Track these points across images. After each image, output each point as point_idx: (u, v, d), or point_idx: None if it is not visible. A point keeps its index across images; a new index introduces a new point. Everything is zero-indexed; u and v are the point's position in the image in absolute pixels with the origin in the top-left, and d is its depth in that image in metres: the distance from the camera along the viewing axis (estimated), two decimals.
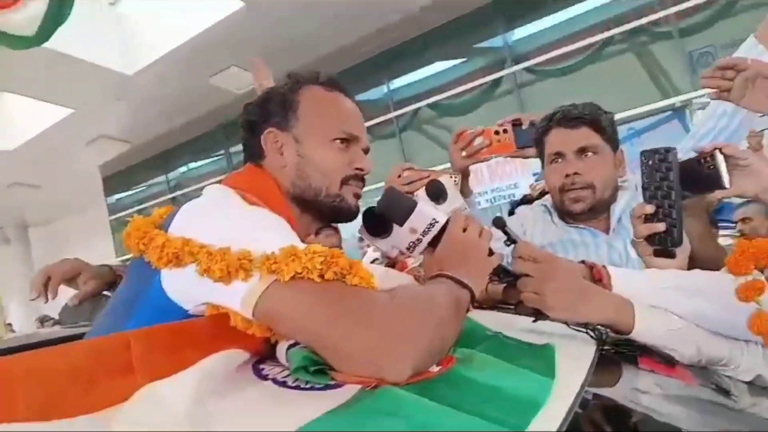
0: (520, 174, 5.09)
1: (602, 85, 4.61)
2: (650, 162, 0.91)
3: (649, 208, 0.92)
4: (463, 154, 1.48)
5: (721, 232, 2.71)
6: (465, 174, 1.58)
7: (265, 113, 0.96)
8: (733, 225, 2.94)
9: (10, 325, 5.29)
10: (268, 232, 0.70)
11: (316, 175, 0.92)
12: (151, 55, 5.54)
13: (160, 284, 0.70)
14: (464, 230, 0.85)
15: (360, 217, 0.96)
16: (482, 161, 1.53)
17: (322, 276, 0.61)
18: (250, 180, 0.92)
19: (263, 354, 0.70)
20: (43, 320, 6.38)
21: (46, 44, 4.37)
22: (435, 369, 0.62)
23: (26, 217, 11.00)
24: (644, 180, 0.93)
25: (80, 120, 6.80)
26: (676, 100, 4.43)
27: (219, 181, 0.92)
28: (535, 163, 1.56)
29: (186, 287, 0.69)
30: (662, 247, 0.91)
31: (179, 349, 0.59)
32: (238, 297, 0.63)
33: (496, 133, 1.46)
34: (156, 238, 0.71)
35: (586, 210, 1.40)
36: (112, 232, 9.17)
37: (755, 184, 0.95)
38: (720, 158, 0.92)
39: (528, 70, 5.21)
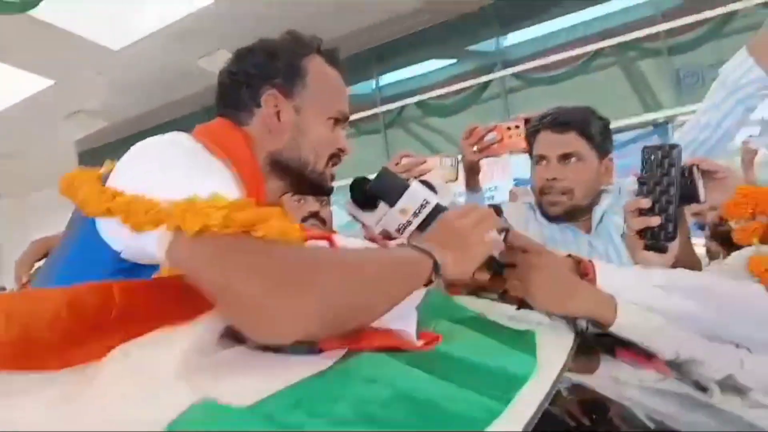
0: (500, 178, 5.11)
1: (588, 96, 4.64)
2: (652, 157, 0.92)
3: (645, 203, 0.92)
4: (474, 149, 1.51)
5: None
6: (476, 170, 1.60)
7: (269, 70, 0.92)
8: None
9: None
10: (199, 180, 0.66)
11: (307, 149, 0.92)
12: (139, 31, 5.44)
13: (93, 224, 0.70)
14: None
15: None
16: (492, 156, 1.54)
17: (227, 228, 0.56)
18: (218, 132, 0.88)
19: None
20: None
21: (32, 12, 4.27)
22: (418, 343, 0.62)
23: None
24: (643, 174, 0.93)
25: (60, 92, 6.63)
26: (660, 115, 4.49)
27: None
28: (516, 169, 1.60)
29: (116, 230, 0.66)
30: (655, 241, 0.92)
31: (162, 304, 0.57)
32: (155, 246, 0.60)
33: (508, 128, 1.48)
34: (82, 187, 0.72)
35: (561, 214, 1.43)
36: None
37: (727, 197, 0.97)
38: (697, 174, 0.94)
39: (517, 76, 5.21)
